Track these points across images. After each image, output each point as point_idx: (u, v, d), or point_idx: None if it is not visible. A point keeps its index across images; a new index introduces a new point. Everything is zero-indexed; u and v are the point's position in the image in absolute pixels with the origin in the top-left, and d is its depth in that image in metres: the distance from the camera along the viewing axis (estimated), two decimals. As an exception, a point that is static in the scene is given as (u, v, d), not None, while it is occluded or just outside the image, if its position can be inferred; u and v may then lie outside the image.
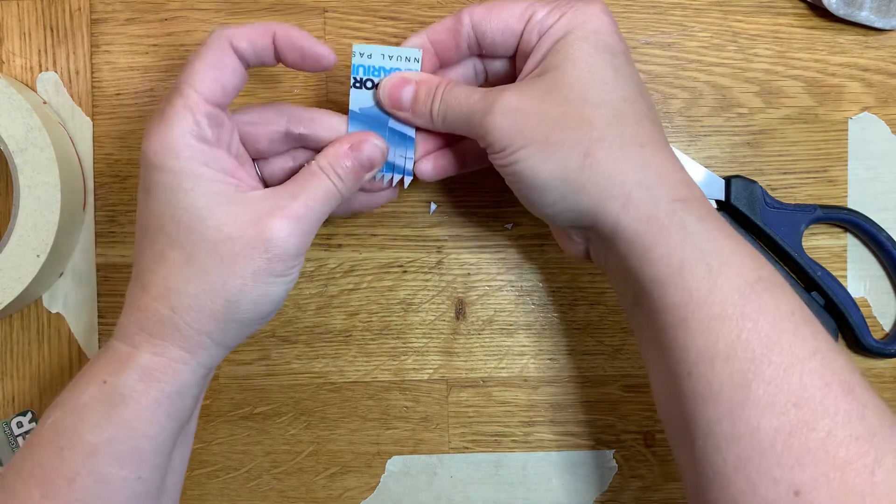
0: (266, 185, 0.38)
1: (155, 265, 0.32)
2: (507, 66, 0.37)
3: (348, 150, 0.35)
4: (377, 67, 0.36)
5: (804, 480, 0.27)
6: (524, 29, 0.34)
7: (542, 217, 0.35)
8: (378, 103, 0.36)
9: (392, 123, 0.37)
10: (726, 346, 0.29)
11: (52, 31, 0.43)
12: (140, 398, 0.32)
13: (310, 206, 0.33)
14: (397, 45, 0.36)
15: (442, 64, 0.37)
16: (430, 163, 0.38)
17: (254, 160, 0.37)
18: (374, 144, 0.35)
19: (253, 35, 0.33)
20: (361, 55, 0.36)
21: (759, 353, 0.29)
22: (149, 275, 0.32)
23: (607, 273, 0.36)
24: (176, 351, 0.32)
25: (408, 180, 0.37)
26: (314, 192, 0.34)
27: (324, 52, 0.34)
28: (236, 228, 0.32)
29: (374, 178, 0.37)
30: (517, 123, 0.32)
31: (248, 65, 0.34)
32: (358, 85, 0.36)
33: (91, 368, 0.33)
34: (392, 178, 0.37)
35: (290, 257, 0.33)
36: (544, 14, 0.34)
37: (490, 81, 0.38)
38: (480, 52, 0.36)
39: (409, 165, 0.37)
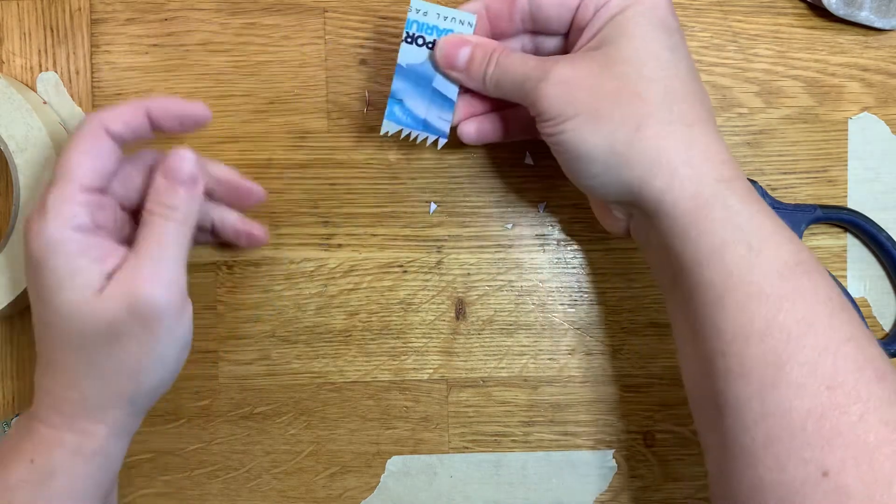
0: None
1: (54, 359, 0.33)
2: (559, 44, 0.37)
3: (164, 182, 0.34)
4: (431, 26, 0.36)
5: (833, 462, 0.28)
6: (580, 3, 0.34)
7: (585, 189, 0.35)
8: (429, 60, 0.36)
9: (436, 83, 0.37)
10: (762, 326, 0.29)
11: (52, 31, 0.43)
12: (70, 472, 0.33)
13: (158, 257, 0.33)
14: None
15: (494, 35, 0.37)
16: (474, 125, 0.38)
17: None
18: (180, 159, 0.34)
19: (127, 116, 0.34)
20: (417, 11, 0.36)
21: (795, 334, 0.29)
22: (52, 366, 0.33)
23: (646, 250, 0.36)
24: (96, 427, 0.33)
25: (442, 142, 0.38)
26: (156, 240, 0.33)
27: (198, 109, 0.35)
28: (111, 315, 0.32)
29: (409, 137, 0.37)
30: (569, 93, 0.32)
31: (123, 144, 0.34)
32: (409, 40, 0.36)
33: (13, 451, 0.33)
34: (427, 138, 0.37)
35: (167, 314, 0.33)
36: None
37: None
38: (534, 27, 0.36)
39: (446, 127, 0.37)
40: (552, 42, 0.37)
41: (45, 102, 0.42)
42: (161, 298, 0.32)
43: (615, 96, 0.32)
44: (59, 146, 0.40)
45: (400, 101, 0.37)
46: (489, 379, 0.43)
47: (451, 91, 0.37)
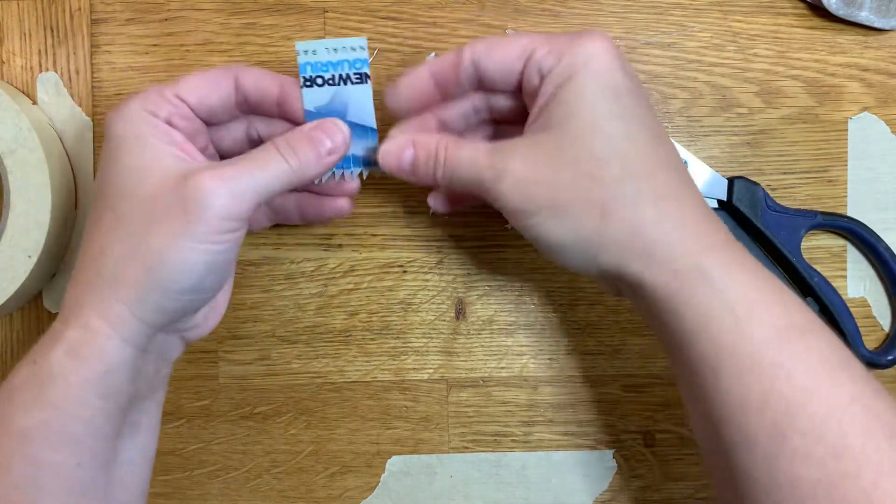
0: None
1: (91, 230, 0.29)
2: (511, 100, 0.33)
3: (309, 130, 0.31)
4: (324, 63, 0.32)
5: None
6: (524, 68, 0.30)
7: (568, 269, 0.31)
8: (335, 97, 0.32)
9: (350, 116, 0.32)
10: (759, 398, 0.26)
11: (52, 31, 0.38)
12: (68, 376, 0.27)
13: (248, 172, 0.28)
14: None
15: (443, 97, 0.33)
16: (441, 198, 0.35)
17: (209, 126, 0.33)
18: (337, 127, 0.31)
19: (262, 77, 0.31)
20: (306, 52, 0.31)
21: (794, 403, 0.25)
22: (86, 240, 0.29)
23: (641, 314, 0.32)
24: (98, 322, 0.28)
25: (366, 172, 0.34)
26: (258, 161, 0.29)
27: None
28: (163, 188, 0.28)
29: (330, 176, 0.33)
30: (527, 191, 0.29)
31: (244, 100, 0.31)
32: (308, 84, 0.32)
33: (27, 352, 0.29)
34: (362, 172, 0.34)
35: (214, 219, 0.27)
36: (543, 54, 0.29)
37: (493, 117, 0.34)
38: (482, 88, 0.32)
39: (373, 155, 0.33)
40: (505, 97, 0.32)
41: (34, 103, 0.38)
42: (220, 199, 0.27)
43: (573, 186, 0.28)
44: (49, 147, 0.35)
45: None
46: (489, 379, 0.39)
47: (369, 118, 0.32)
